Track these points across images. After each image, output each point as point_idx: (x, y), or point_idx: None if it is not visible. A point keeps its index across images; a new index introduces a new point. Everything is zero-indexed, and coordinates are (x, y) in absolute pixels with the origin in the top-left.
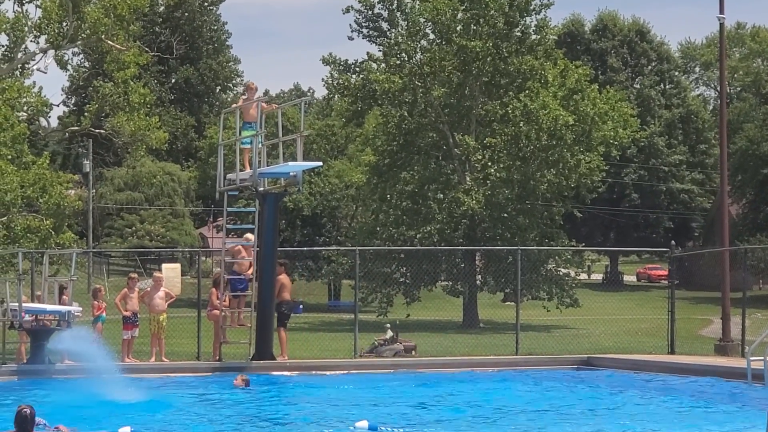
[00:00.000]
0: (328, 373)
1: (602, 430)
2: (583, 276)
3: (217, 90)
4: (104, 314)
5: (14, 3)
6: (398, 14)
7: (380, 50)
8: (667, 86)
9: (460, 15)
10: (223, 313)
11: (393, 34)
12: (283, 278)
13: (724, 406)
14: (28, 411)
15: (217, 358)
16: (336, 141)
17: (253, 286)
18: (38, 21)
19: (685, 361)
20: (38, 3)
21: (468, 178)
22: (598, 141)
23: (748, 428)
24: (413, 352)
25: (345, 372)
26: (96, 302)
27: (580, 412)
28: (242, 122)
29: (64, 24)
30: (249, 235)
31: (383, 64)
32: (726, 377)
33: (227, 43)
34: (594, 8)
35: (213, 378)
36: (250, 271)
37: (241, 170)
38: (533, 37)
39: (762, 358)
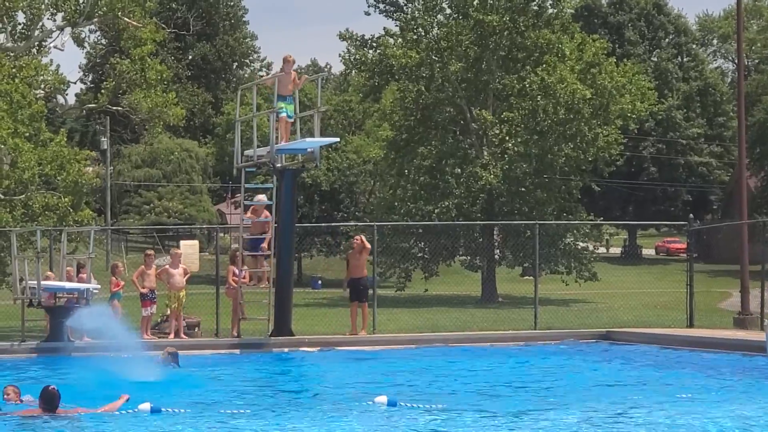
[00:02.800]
0: (346, 348)
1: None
2: (602, 250)
3: (234, 66)
4: (121, 291)
5: None
6: None
7: (397, 25)
8: (685, 59)
9: None
10: (240, 287)
11: (410, 9)
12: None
13: (742, 380)
14: (55, 389)
15: (236, 334)
16: (353, 116)
17: (272, 262)
18: None
19: (704, 335)
20: None
21: (486, 153)
22: (615, 114)
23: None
24: (196, 329)
25: (363, 347)
26: (114, 278)
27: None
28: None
29: (81, 1)
30: (261, 196)
31: (400, 39)
32: (744, 350)
33: (244, 19)
34: None
35: (231, 355)
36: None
37: (277, 142)
38: (550, 10)
39: None
